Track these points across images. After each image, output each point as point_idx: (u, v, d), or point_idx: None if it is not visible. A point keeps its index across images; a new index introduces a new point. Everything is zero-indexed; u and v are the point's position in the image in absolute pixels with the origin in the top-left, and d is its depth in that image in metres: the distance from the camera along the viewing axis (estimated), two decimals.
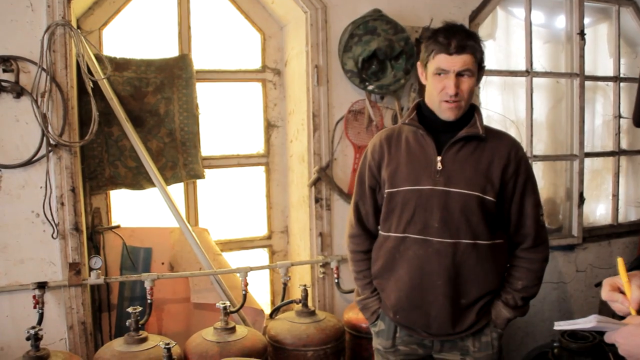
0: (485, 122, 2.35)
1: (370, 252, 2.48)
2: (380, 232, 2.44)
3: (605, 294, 1.40)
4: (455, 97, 2.18)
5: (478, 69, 2.23)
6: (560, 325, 1.37)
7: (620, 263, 1.38)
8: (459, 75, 2.17)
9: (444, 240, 2.22)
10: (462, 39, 2.15)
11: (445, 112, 2.24)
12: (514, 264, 2.36)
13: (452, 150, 2.26)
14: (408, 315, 2.34)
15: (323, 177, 3.50)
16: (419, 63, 2.33)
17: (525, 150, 2.52)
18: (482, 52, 2.23)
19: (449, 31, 2.19)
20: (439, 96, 2.22)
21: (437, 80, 2.21)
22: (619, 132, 4.77)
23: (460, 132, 2.25)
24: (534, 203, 2.31)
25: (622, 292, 1.36)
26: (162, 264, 3.53)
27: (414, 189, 2.27)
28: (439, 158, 2.25)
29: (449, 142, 2.26)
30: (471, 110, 2.31)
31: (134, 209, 3.62)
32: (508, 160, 2.25)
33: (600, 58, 4.78)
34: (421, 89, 3.63)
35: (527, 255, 2.33)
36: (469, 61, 2.16)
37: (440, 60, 2.18)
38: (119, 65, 3.38)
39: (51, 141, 2.89)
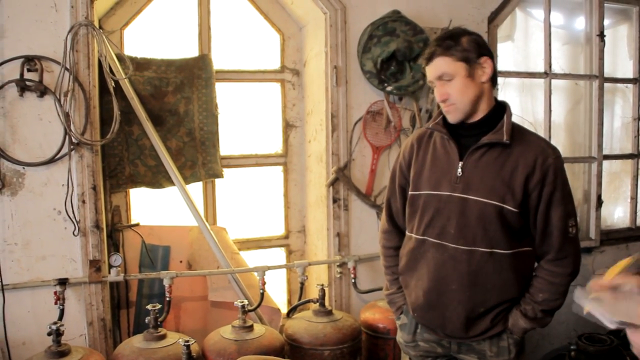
0: None
1: (400, 249, 2.51)
2: (406, 231, 2.45)
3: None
4: (445, 102, 2.20)
5: (468, 65, 2.16)
6: (585, 307, 1.38)
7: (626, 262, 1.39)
8: (440, 81, 2.20)
9: (459, 247, 2.21)
10: (432, 48, 2.19)
11: (447, 117, 2.26)
12: (537, 274, 2.29)
13: (474, 157, 2.21)
14: (425, 314, 2.36)
15: (341, 177, 3.52)
16: None
17: None
18: (464, 48, 2.15)
19: (431, 42, 2.28)
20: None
21: (434, 91, 2.27)
22: (638, 135, 4.72)
23: (484, 137, 2.20)
24: (561, 215, 2.19)
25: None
26: (181, 262, 3.57)
27: (433, 194, 2.27)
28: (460, 164, 2.22)
29: (472, 147, 2.22)
30: (501, 112, 2.25)
31: (153, 208, 3.65)
32: (533, 169, 2.15)
33: (619, 60, 4.75)
34: None
35: (550, 267, 2.25)
36: (442, 65, 2.16)
37: (426, 71, 2.27)
38: (140, 65, 3.42)
39: (73, 140, 2.93)
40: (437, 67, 2.18)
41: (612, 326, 1.31)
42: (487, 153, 2.21)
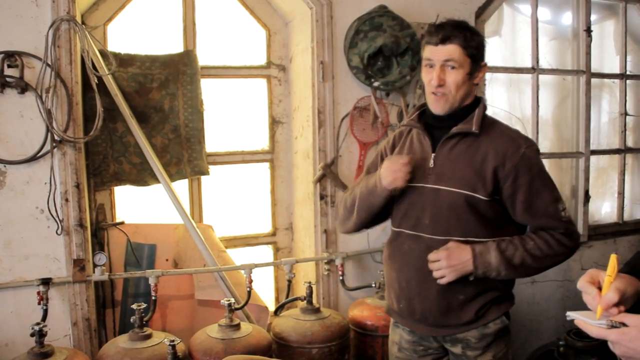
0: None
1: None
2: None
3: (582, 283, 1.38)
4: (440, 88, 2.19)
5: (472, 63, 2.20)
6: (570, 317, 1.38)
7: (613, 260, 1.36)
8: (444, 66, 2.18)
9: (435, 237, 2.25)
10: (449, 31, 2.17)
11: (432, 105, 2.27)
12: (536, 233, 2.24)
13: (445, 148, 2.27)
14: (408, 305, 2.36)
15: (328, 173, 3.49)
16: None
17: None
18: (476, 46, 2.20)
19: (441, 23, 2.24)
20: (428, 88, 2.25)
21: (426, 71, 2.26)
22: (625, 130, 4.74)
23: (454, 127, 2.25)
24: (549, 200, 2.21)
25: (600, 288, 1.35)
26: (167, 260, 3.53)
27: (408, 186, 2.29)
28: (432, 155, 2.27)
29: (443, 138, 2.27)
30: (475, 106, 2.29)
31: (138, 206, 3.61)
32: (503, 158, 2.18)
33: (606, 55, 4.76)
34: None
35: (555, 234, 2.21)
36: (454, 52, 2.16)
37: (427, 51, 2.23)
38: (124, 61, 3.37)
39: (56, 137, 2.88)
40: (449, 52, 2.17)
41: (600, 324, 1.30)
42: (458, 144, 2.26)
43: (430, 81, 2.21)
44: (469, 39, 2.18)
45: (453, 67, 2.17)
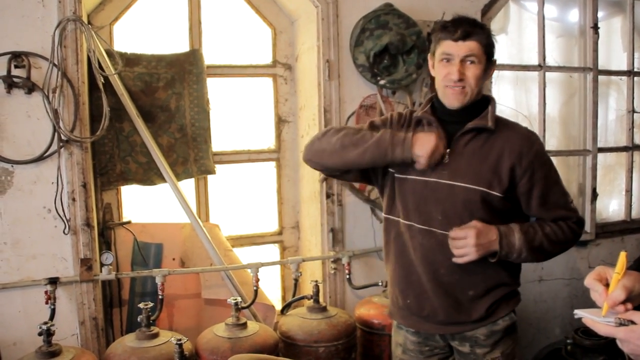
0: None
1: None
2: (386, 214, 2.42)
3: (589, 280, 1.38)
4: (459, 82, 2.18)
5: (487, 60, 2.22)
6: (578, 315, 1.37)
7: (622, 257, 1.35)
8: (463, 61, 2.18)
9: (447, 233, 2.22)
10: (469, 27, 2.17)
11: (449, 98, 2.23)
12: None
13: (460, 143, 2.24)
14: (417, 301, 2.34)
15: None
16: (429, 55, 2.34)
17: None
18: (491, 44, 2.22)
19: (457, 20, 2.22)
20: (443, 82, 2.23)
21: (442, 66, 2.23)
22: (633, 127, 4.70)
23: (469, 123, 2.24)
24: (560, 193, 2.29)
25: (607, 285, 1.35)
26: (173, 259, 3.53)
27: (420, 179, 2.27)
28: (447, 150, 2.24)
29: (458, 133, 2.25)
30: (486, 103, 2.29)
31: (145, 205, 3.62)
32: (520, 155, 2.19)
33: (613, 52, 4.72)
34: (433, 83, 3.59)
35: (569, 222, 2.29)
36: (475, 48, 2.16)
37: (446, 46, 2.20)
38: (130, 60, 3.37)
39: (62, 137, 2.89)
40: (470, 48, 2.16)
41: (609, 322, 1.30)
42: (473, 140, 2.24)
43: (447, 75, 2.19)
44: (486, 37, 2.20)
45: (472, 62, 2.17)
